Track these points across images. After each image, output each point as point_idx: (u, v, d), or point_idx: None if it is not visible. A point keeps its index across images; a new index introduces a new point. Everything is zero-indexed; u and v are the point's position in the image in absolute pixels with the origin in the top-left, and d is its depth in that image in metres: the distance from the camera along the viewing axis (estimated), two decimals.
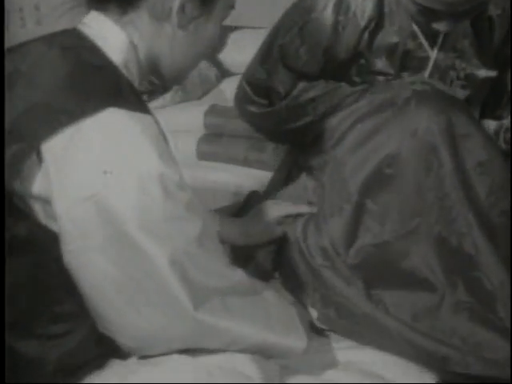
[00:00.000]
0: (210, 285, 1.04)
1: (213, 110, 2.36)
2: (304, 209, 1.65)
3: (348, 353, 1.49)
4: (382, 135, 1.60)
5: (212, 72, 2.58)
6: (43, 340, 1.01)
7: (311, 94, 1.84)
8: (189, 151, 2.34)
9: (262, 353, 1.14)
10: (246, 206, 1.96)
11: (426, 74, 1.81)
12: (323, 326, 1.52)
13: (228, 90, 2.47)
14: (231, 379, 1.07)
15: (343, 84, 1.82)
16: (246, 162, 2.28)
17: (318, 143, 1.78)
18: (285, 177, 1.92)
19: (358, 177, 1.59)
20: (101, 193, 0.95)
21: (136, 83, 1.11)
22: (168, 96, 2.41)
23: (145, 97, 2.36)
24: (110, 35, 1.07)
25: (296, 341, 1.18)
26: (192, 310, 1.00)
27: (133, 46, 1.09)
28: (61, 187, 0.95)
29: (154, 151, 0.97)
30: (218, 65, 2.60)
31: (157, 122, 1.04)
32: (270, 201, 1.71)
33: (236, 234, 1.59)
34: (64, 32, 1.09)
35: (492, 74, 1.82)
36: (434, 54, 1.78)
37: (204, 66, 2.58)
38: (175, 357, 1.07)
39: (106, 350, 1.07)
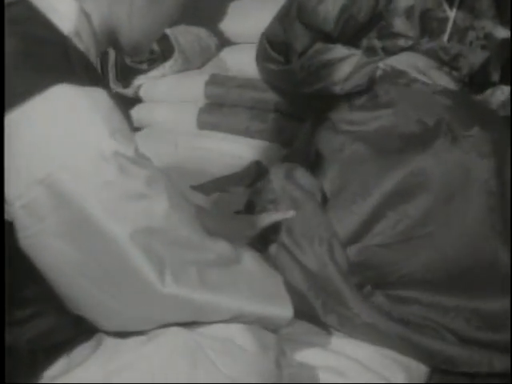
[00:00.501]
0: (182, 258, 1.01)
1: (214, 80, 2.34)
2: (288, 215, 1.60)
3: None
4: (413, 152, 1.58)
5: (212, 41, 2.56)
6: (13, 326, 0.99)
7: (326, 56, 1.85)
8: (190, 121, 2.33)
9: (247, 323, 1.11)
10: (246, 175, 1.96)
11: (446, 36, 1.80)
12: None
13: (229, 59, 2.45)
14: (223, 350, 1.05)
15: (358, 52, 1.83)
16: (247, 132, 2.27)
17: (334, 128, 1.78)
18: (301, 155, 1.91)
19: (383, 185, 1.56)
20: (53, 175, 0.91)
21: (92, 54, 1.06)
22: (167, 65, 2.39)
23: (144, 66, 2.38)
24: (60, 5, 1.02)
25: (282, 310, 1.15)
26: (159, 285, 0.98)
27: (85, 15, 1.04)
28: (11, 171, 0.92)
29: (106, 128, 0.93)
30: (218, 34, 2.58)
31: (111, 95, 0.99)
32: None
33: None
34: (12, 4, 1.03)
35: None
36: (452, 13, 1.77)
37: (204, 34, 2.57)
38: (168, 329, 1.05)
39: (87, 328, 1.05)
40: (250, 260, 1.16)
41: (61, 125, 0.92)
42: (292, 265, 1.54)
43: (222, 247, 1.11)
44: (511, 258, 1.50)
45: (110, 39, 1.12)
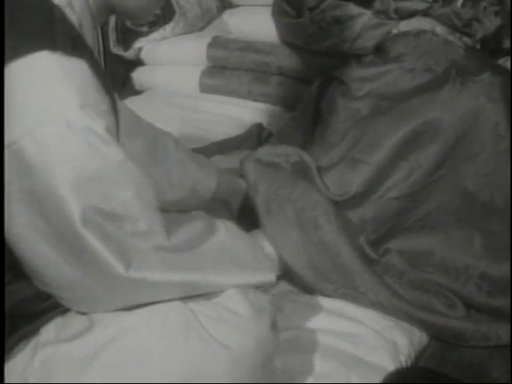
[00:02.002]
0: (140, 247, 0.99)
1: (216, 42, 2.32)
2: None
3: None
4: (421, 101, 1.58)
5: (213, 3, 2.53)
6: None
7: (337, 12, 1.86)
8: (191, 84, 2.31)
9: None
10: (248, 138, 1.95)
11: (459, 1, 1.78)
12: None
13: (231, 21, 2.43)
14: (216, 316, 1.06)
15: (369, 12, 1.84)
16: (249, 95, 2.25)
17: (343, 86, 1.77)
18: (306, 118, 1.90)
19: (393, 136, 1.55)
20: (19, 141, 0.90)
21: (86, 25, 1.04)
22: (168, 28, 2.36)
23: (145, 28, 2.36)
24: None
25: (263, 276, 1.16)
26: (120, 269, 0.96)
27: None
28: None
29: (77, 100, 0.91)
30: None
31: (94, 67, 0.96)
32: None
33: None
34: None
35: None
36: None
37: None
38: None
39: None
40: (225, 233, 1.15)
41: (34, 92, 0.90)
42: (296, 238, 1.52)
43: (189, 230, 1.09)
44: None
45: (106, 6, 1.09)
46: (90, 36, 1.06)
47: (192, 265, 1.05)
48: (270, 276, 1.17)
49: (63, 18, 0.97)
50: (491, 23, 1.83)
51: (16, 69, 0.90)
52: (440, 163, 1.53)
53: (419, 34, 1.78)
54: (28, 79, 0.90)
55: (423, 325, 1.44)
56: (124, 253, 0.97)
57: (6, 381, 0.98)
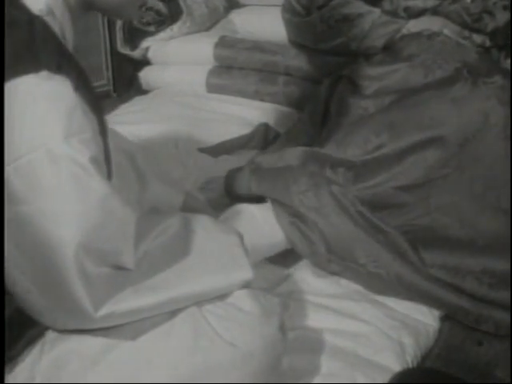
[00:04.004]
0: (122, 278, 0.98)
1: (223, 42, 2.33)
2: None
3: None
4: (431, 99, 1.57)
5: (220, 3, 2.53)
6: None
7: (346, 10, 1.86)
8: (198, 83, 2.31)
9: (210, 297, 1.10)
10: (255, 138, 1.95)
11: None
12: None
13: (237, 21, 2.43)
14: (225, 315, 1.06)
15: (378, 10, 1.84)
16: (256, 95, 2.25)
17: (352, 85, 1.78)
18: (315, 118, 1.90)
19: (401, 136, 1.54)
20: (6, 170, 0.88)
21: (68, 30, 1.02)
22: (175, 27, 2.37)
23: (152, 28, 2.36)
24: None
25: (241, 274, 1.11)
26: (93, 311, 0.94)
27: None
28: None
29: (60, 131, 0.89)
30: None
31: (80, 83, 0.94)
32: None
33: None
34: None
35: None
36: None
37: None
38: None
39: None
40: (200, 233, 1.13)
41: (18, 119, 0.89)
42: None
43: (162, 233, 1.08)
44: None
45: (88, 6, 1.07)
46: (71, 39, 1.04)
47: (164, 282, 1.03)
48: (248, 274, 1.12)
49: (45, 30, 0.95)
50: (502, 17, 1.83)
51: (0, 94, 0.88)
52: (446, 162, 1.51)
53: (432, 35, 1.78)
54: (12, 105, 0.88)
55: (424, 297, 1.45)
56: (97, 292, 0.94)
57: (13, 377, 0.99)
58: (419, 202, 1.52)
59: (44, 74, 0.89)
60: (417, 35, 1.81)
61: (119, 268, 0.98)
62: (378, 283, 1.48)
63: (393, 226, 1.51)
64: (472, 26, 1.84)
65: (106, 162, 0.98)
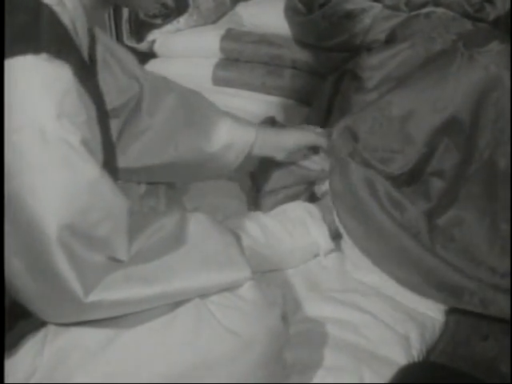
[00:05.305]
0: (112, 265, 0.98)
1: (229, 35, 2.32)
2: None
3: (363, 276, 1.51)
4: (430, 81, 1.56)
5: None
6: None
7: (348, 6, 1.87)
8: (205, 76, 2.31)
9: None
10: None
11: None
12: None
13: (244, 14, 2.42)
14: (227, 304, 1.06)
15: (379, 5, 1.85)
16: (262, 88, 2.25)
17: (355, 80, 1.77)
18: (322, 114, 1.90)
19: (425, 128, 1.54)
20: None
21: (80, 24, 1.02)
22: (182, 20, 2.36)
23: (158, 20, 2.36)
24: None
25: (238, 273, 1.10)
26: (82, 295, 0.94)
27: None
28: None
29: (53, 110, 0.89)
30: None
31: (80, 71, 0.94)
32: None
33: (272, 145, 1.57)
34: None
35: None
36: None
37: None
38: None
39: None
40: (195, 231, 1.12)
41: (13, 99, 0.89)
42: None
43: (158, 231, 1.07)
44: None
45: (104, 3, 1.08)
46: (84, 35, 1.04)
47: (157, 275, 1.02)
48: (244, 273, 1.11)
49: (51, 18, 0.95)
50: (504, 4, 1.82)
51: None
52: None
53: (429, 14, 1.78)
54: (8, 83, 0.89)
55: (437, 279, 1.46)
56: (86, 276, 0.94)
57: (15, 371, 0.99)
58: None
59: (44, 56, 0.90)
60: (415, 16, 1.81)
61: (112, 259, 0.98)
62: (377, 250, 1.50)
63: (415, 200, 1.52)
64: (474, 15, 1.84)
65: (104, 151, 0.97)
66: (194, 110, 1.46)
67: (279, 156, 1.58)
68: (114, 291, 0.97)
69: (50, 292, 0.95)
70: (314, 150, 1.63)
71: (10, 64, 0.89)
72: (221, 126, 1.48)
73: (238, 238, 1.18)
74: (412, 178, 1.55)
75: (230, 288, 1.09)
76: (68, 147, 0.90)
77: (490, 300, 1.44)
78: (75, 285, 0.93)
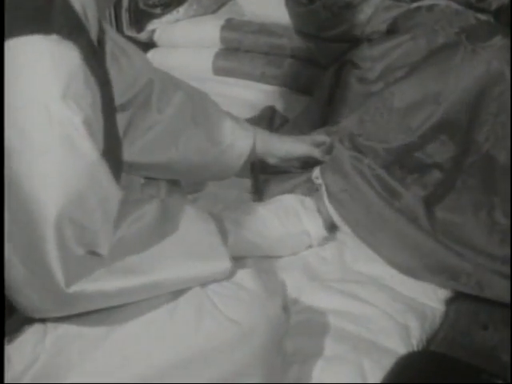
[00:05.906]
0: (96, 258, 0.97)
1: (229, 25, 2.32)
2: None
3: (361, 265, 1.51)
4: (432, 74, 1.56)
5: None
6: None
7: None
8: (205, 66, 2.30)
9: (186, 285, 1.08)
10: (261, 121, 1.95)
11: None
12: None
13: (244, 4, 2.42)
14: (228, 294, 1.06)
15: None
16: (262, 78, 2.24)
17: (356, 70, 1.78)
18: (323, 104, 1.90)
19: (424, 123, 1.53)
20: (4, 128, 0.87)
21: (92, 9, 1.01)
22: (182, 9, 2.36)
23: (158, 10, 2.35)
24: None
25: (219, 264, 1.10)
26: (63, 285, 0.92)
27: None
28: None
29: (60, 90, 0.88)
30: None
31: (89, 55, 0.94)
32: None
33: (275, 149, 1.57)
34: None
35: None
36: None
37: None
38: None
39: None
40: (178, 220, 1.11)
41: (20, 77, 0.88)
42: None
43: (139, 219, 1.07)
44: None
45: None
46: (94, 22, 1.03)
47: (140, 266, 1.02)
48: (225, 264, 1.11)
49: (63, 2, 0.94)
50: None
51: (7, 49, 0.88)
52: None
53: (432, 6, 1.77)
54: (17, 61, 0.88)
55: (435, 262, 1.46)
56: (71, 267, 0.93)
57: (17, 355, 0.99)
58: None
59: (54, 37, 0.89)
60: (416, 8, 1.81)
61: (93, 253, 0.96)
62: (372, 235, 1.50)
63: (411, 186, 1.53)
64: (476, 5, 1.83)
65: (106, 140, 0.96)
66: (200, 109, 1.47)
67: (271, 161, 1.59)
68: (96, 283, 0.96)
69: (34, 278, 0.94)
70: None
71: (21, 42, 0.88)
72: (225, 126, 1.48)
73: (220, 226, 1.18)
74: (398, 160, 1.54)
75: (232, 275, 1.10)
76: (71, 127, 0.89)
77: (486, 282, 1.44)
78: (59, 274, 0.92)
